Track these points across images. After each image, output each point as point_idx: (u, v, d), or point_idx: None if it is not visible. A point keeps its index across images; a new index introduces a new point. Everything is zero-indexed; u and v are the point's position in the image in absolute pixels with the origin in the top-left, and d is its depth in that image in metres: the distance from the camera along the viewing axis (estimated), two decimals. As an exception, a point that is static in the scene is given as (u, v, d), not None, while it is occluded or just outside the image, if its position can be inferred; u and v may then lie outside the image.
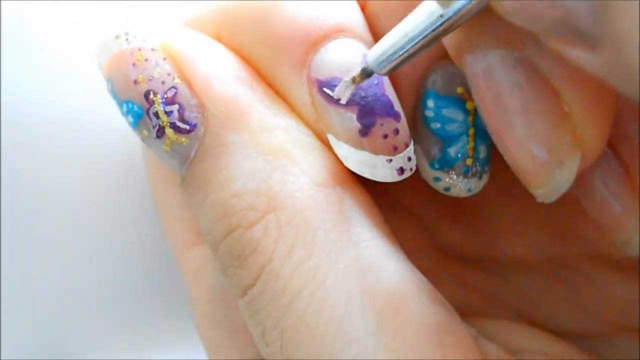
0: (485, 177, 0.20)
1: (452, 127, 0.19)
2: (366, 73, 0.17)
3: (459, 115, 0.19)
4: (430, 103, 0.19)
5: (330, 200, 0.18)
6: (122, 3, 0.25)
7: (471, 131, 0.19)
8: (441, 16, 0.16)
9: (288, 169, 0.18)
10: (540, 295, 0.23)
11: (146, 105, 0.19)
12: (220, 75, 0.19)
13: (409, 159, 0.19)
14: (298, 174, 0.18)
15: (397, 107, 0.18)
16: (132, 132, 0.19)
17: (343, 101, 0.18)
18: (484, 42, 0.17)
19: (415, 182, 0.20)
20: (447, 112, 0.19)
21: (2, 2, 0.24)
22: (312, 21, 0.18)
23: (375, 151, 0.18)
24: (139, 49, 0.19)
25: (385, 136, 0.18)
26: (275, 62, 0.19)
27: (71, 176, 0.25)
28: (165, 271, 0.27)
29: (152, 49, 0.19)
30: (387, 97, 0.18)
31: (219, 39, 0.20)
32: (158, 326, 0.27)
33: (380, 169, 0.18)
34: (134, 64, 0.19)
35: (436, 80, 0.19)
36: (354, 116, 0.18)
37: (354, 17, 0.19)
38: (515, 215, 0.23)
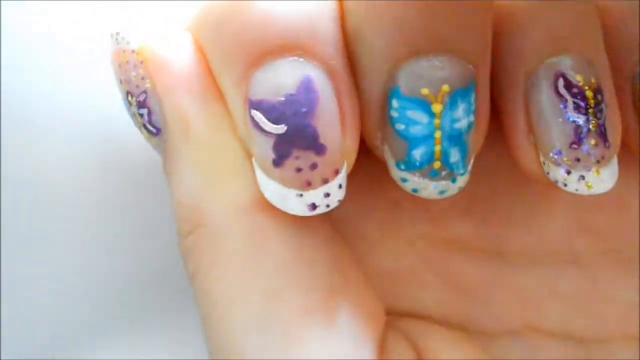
0: (461, 180, 0.19)
1: (416, 130, 0.18)
2: None
3: (424, 118, 0.18)
4: (395, 103, 0.18)
5: (249, 225, 0.18)
6: (122, 3, 0.25)
7: (437, 134, 0.18)
8: None
9: (217, 189, 0.18)
10: (540, 293, 0.22)
11: (128, 105, 0.20)
12: (179, 85, 0.19)
13: (327, 195, 0.18)
14: (225, 194, 0.18)
15: (327, 137, 0.18)
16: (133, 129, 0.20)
17: None
18: None
19: None
20: (411, 114, 0.18)
21: (1, 2, 0.24)
22: (259, 34, 0.18)
23: (285, 184, 0.18)
24: (123, 51, 0.19)
25: (299, 170, 0.17)
26: (221, 73, 0.19)
27: (72, 176, 0.25)
28: (167, 271, 0.27)
29: (133, 52, 0.19)
30: (314, 127, 0.17)
31: (195, 39, 0.20)
32: (158, 326, 0.27)
33: (290, 202, 0.18)
34: (119, 65, 0.19)
35: (401, 79, 0.18)
36: (271, 144, 0.17)
37: (312, 30, 0.18)
38: (525, 205, 0.22)
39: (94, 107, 0.25)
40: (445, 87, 0.17)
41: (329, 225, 0.20)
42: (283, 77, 0.17)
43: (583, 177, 0.19)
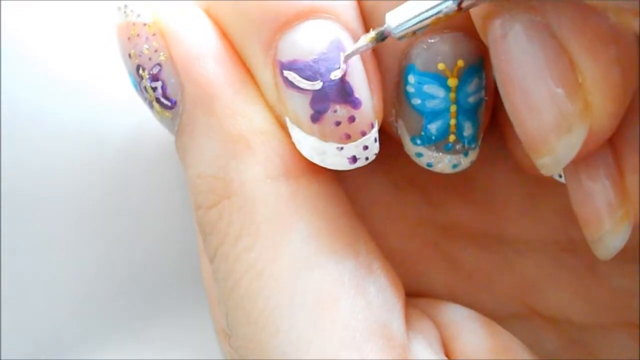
0: (473, 154, 0.20)
1: (433, 104, 0.19)
2: (381, 36, 0.17)
3: (440, 92, 0.18)
4: (411, 78, 0.19)
5: (279, 194, 0.18)
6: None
7: (453, 108, 0.19)
8: None
9: (244, 158, 0.18)
10: (541, 280, 0.23)
11: (137, 78, 0.19)
12: (200, 55, 0.19)
13: (365, 147, 0.18)
14: (252, 164, 0.18)
15: (360, 93, 0.18)
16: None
17: (342, 61, 0.18)
18: (513, 6, 0.17)
19: None
20: (428, 88, 0.18)
21: (1, 2, 0.24)
22: (285, 0, 0.18)
23: (324, 138, 0.18)
24: (134, 24, 0.19)
25: (338, 123, 0.18)
26: (246, 41, 0.19)
27: (72, 176, 0.25)
28: (168, 272, 0.27)
29: (144, 24, 0.19)
30: (349, 83, 0.18)
31: (208, 12, 0.20)
32: (160, 326, 0.27)
33: (330, 156, 0.18)
34: (128, 38, 0.19)
35: (417, 56, 0.18)
36: (308, 101, 0.18)
37: None
38: (525, 193, 0.23)
39: (94, 108, 0.25)
40: (460, 62, 0.18)
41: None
42: (314, 37, 0.18)
43: None
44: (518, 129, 0.17)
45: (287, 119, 0.18)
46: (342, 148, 0.18)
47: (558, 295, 0.22)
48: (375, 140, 0.19)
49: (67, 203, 0.25)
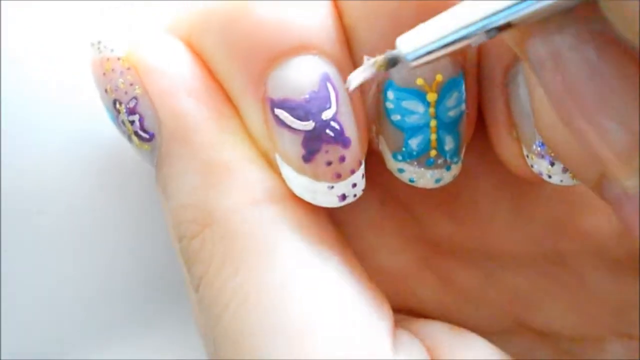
0: (455, 168, 0.19)
1: (413, 119, 0.18)
2: (393, 62, 0.16)
3: (420, 107, 0.18)
4: (390, 95, 0.18)
5: (261, 218, 0.18)
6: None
7: (433, 123, 0.18)
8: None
9: (224, 186, 0.18)
10: (530, 294, 0.22)
11: (115, 113, 0.20)
12: (174, 89, 0.19)
13: (354, 185, 0.18)
14: (231, 191, 0.18)
15: (349, 132, 0.18)
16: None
17: (351, 87, 0.17)
18: (556, 19, 0.15)
19: None
20: (407, 104, 0.18)
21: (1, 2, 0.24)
22: (275, 35, 0.18)
23: (316, 178, 0.18)
24: (107, 59, 0.19)
25: (329, 163, 0.18)
26: (233, 75, 0.19)
27: (72, 176, 0.25)
28: (167, 272, 0.27)
29: (118, 59, 0.19)
30: (339, 122, 0.18)
31: (190, 44, 0.20)
32: (159, 326, 0.27)
33: (321, 195, 0.18)
34: (104, 74, 0.19)
35: (396, 71, 0.18)
36: (299, 141, 0.18)
37: (323, 29, 0.18)
38: (511, 208, 0.22)
39: (94, 108, 0.25)
40: (439, 77, 0.18)
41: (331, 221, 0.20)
42: (305, 75, 0.18)
43: (567, 168, 0.19)
44: (594, 153, 0.15)
45: (277, 156, 0.18)
46: (332, 187, 0.18)
47: (549, 309, 0.22)
48: (363, 177, 0.19)
49: (67, 204, 0.26)
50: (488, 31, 0.14)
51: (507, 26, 0.14)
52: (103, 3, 0.24)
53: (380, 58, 0.16)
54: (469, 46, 0.15)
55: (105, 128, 0.25)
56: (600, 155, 0.15)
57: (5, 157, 0.25)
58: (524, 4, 0.14)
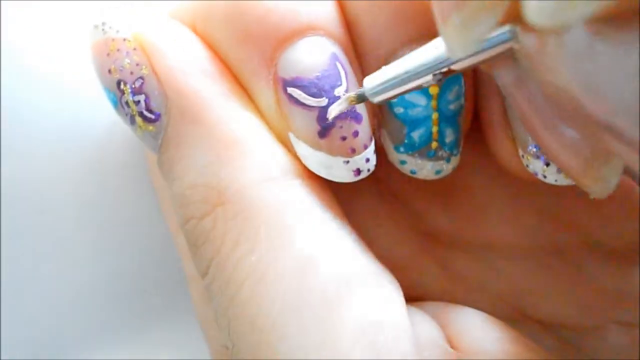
0: (455, 160, 0.20)
1: (415, 112, 0.19)
2: (361, 98, 0.18)
3: (422, 100, 0.19)
4: None
5: (276, 196, 0.18)
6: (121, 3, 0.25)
7: (434, 115, 0.19)
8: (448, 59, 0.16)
9: (238, 163, 0.18)
10: (529, 285, 0.23)
11: (118, 94, 0.19)
12: (185, 67, 0.19)
13: (367, 160, 0.19)
14: (247, 168, 0.18)
15: (360, 108, 0.19)
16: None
17: (331, 117, 0.18)
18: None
19: None
20: (410, 96, 0.19)
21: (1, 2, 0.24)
22: (283, 18, 0.18)
23: (332, 153, 0.18)
24: (113, 40, 0.19)
25: (344, 138, 0.18)
26: (243, 58, 0.19)
27: (72, 176, 0.25)
28: (167, 271, 0.27)
29: (124, 39, 0.19)
30: None
31: (194, 30, 0.20)
32: (159, 326, 0.27)
33: (337, 169, 0.19)
34: (107, 54, 0.19)
35: None
36: (314, 117, 0.18)
37: (328, 14, 0.19)
38: (507, 200, 0.23)
39: (94, 109, 0.25)
40: None
41: None
42: (315, 54, 0.18)
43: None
44: (561, 168, 0.17)
45: (291, 135, 0.19)
46: (348, 162, 0.19)
47: (548, 299, 0.23)
48: (374, 152, 0.19)
49: (66, 204, 0.26)
50: (435, 74, 0.17)
51: (450, 72, 0.17)
52: (103, 3, 0.25)
53: (352, 94, 0.18)
54: None
55: (107, 128, 0.25)
56: (565, 168, 0.17)
57: (5, 157, 0.25)
58: (448, 61, 0.16)
